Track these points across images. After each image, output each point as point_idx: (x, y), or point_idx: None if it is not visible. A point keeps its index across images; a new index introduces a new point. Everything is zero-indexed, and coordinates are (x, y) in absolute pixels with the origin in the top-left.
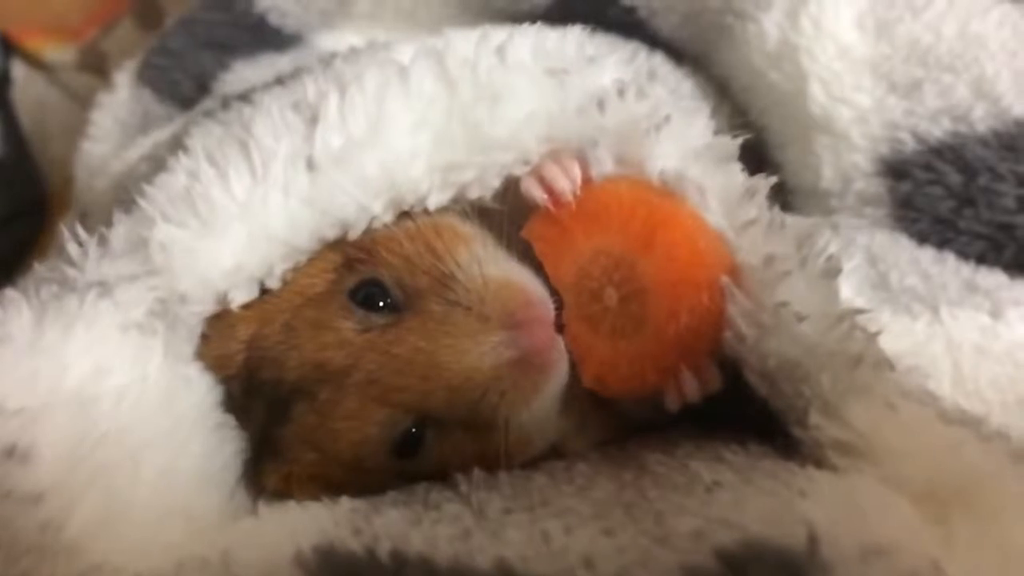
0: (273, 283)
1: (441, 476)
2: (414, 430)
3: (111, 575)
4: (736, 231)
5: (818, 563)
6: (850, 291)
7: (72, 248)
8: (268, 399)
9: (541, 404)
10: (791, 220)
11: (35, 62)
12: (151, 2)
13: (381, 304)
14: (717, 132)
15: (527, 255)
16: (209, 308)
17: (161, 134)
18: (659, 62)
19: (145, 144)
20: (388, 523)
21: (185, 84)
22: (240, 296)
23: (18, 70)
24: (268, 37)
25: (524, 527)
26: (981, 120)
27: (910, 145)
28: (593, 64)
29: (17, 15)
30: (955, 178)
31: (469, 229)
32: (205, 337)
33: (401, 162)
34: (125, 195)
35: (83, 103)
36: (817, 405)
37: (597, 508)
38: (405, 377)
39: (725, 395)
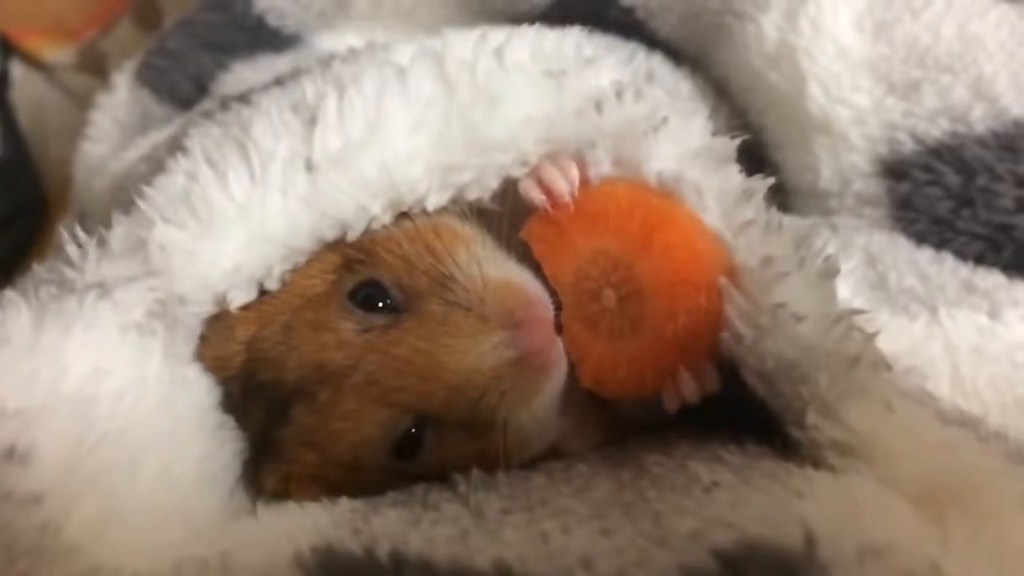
0: (272, 284)
1: (440, 476)
2: (414, 430)
3: None
4: (734, 232)
5: (816, 563)
6: (848, 291)
7: (71, 249)
8: (267, 400)
9: (540, 404)
10: (789, 221)
11: (34, 62)
12: (150, 3)
13: (380, 305)
14: (715, 133)
15: (526, 256)
16: (208, 309)
17: (160, 135)
18: (657, 63)
19: (144, 145)
20: (387, 524)
21: (184, 85)
22: (239, 297)
23: (17, 70)
24: (267, 38)
25: (523, 527)
26: (979, 121)
27: (908, 146)
28: (591, 65)
29: (16, 15)
30: (953, 179)
31: (468, 230)
32: (204, 338)
33: (400, 163)
34: (124, 196)
35: (82, 103)
36: (815, 405)
37: (595, 508)
38: (405, 377)
39: (724, 395)
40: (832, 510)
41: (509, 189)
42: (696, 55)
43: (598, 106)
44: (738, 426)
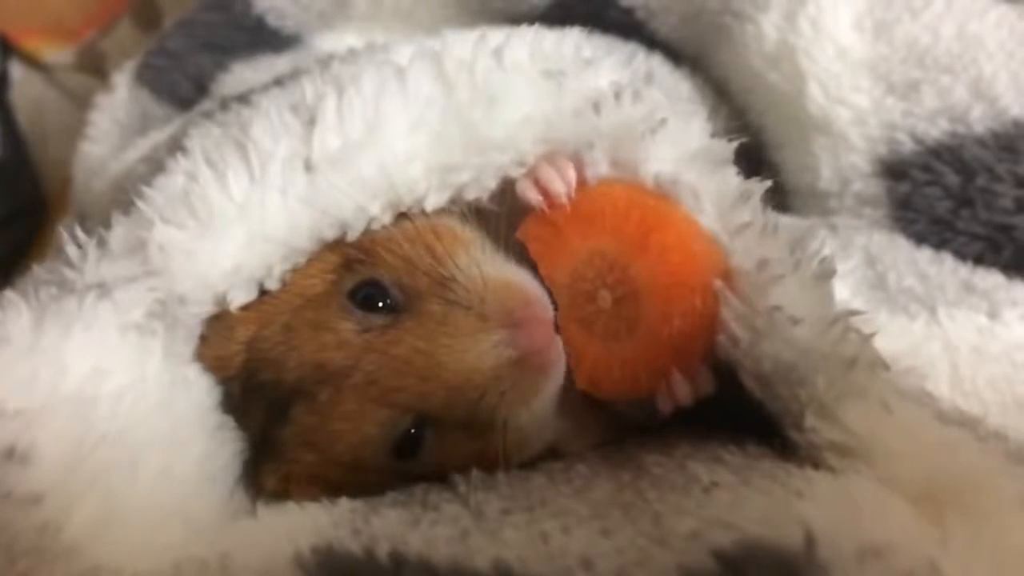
0: (272, 284)
1: (440, 477)
2: (413, 430)
3: None
4: (730, 235)
5: (815, 563)
6: (848, 292)
7: (71, 250)
8: (267, 400)
9: (540, 404)
10: (785, 223)
11: (33, 62)
12: (149, 3)
13: (380, 305)
14: (714, 134)
15: (523, 256)
16: (208, 309)
17: (159, 135)
18: (657, 63)
19: (143, 145)
20: (387, 524)
21: (183, 85)
22: (239, 297)
23: (16, 71)
24: (266, 38)
25: (522, 528)
26: (979, 121)
27: (908, 146)
28: (590, 66)
29: (15, 15)
30: (953, 179)
31: (468, 231)
32: (204, 338)
33: (398, 163)
34: (123, 196)
35: (81, 104)
36: (813, 408)
37: (595, 509)
38: (404, 377)
39: (723, 396)
40: (832, 510)
41: (507, 189)
42: (696, 55)
43: (596, 107)
44: (738, 427)
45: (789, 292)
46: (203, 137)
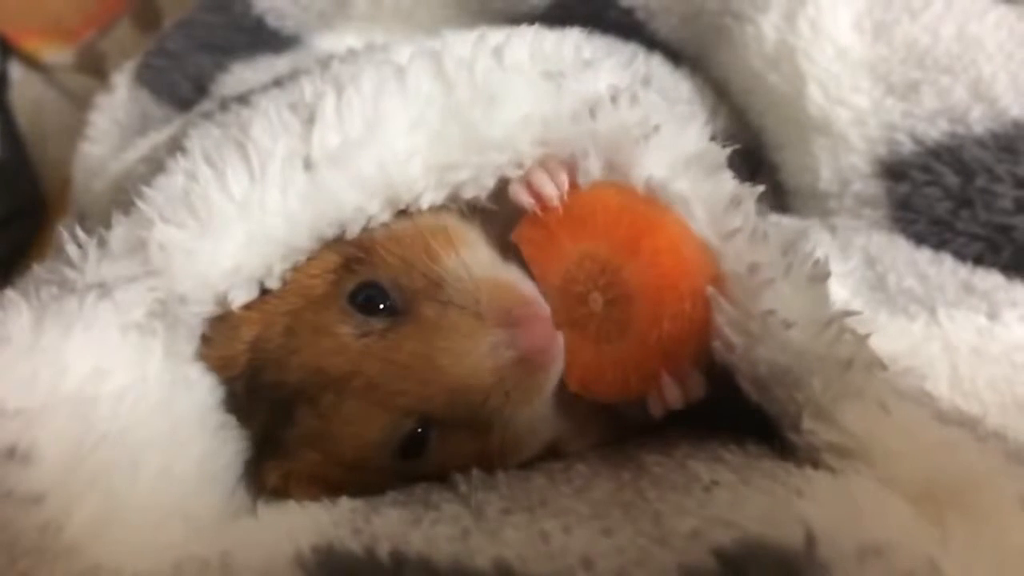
0: (273, 283)
1: (441, 476)
2: (419, 430)
3: None
4: (721, 239)
5: (815, 562)
6: (848, 292)
7: (71, 249)
8: (271, 400)
9: (541, 402)
10: (778, 226)
11: (33, 63)
12: (149, 3)
13: (381, 306)
14: (713, 137)
15: (519, 256)
16: (209, 309)
17: (159, 136)
18: (657, 64)
19: (143, 146)
20: (387, 523)
21: (183, 85)
22: (240, 296)
23: (16, 71)
24: (266, 39)
25: (523, 527)
26: (978, 121)
27: (908, 146)
28: (589, 68)
29: (15, 16)
30: (952, 179)
31: (463, 230)
32: (209, 338)
33: (398, 161)
34: (123, 197)
35: (80, 104)
36: (810, 410)
37: (596, 508)
38: (405, 381)
39: (722, 397)
40: (832, 509)
41: (505, 188)
42: (696, 56)
43: (592, 112)
44: (738, 427)
45: (782, 296)
46: (203, 137)
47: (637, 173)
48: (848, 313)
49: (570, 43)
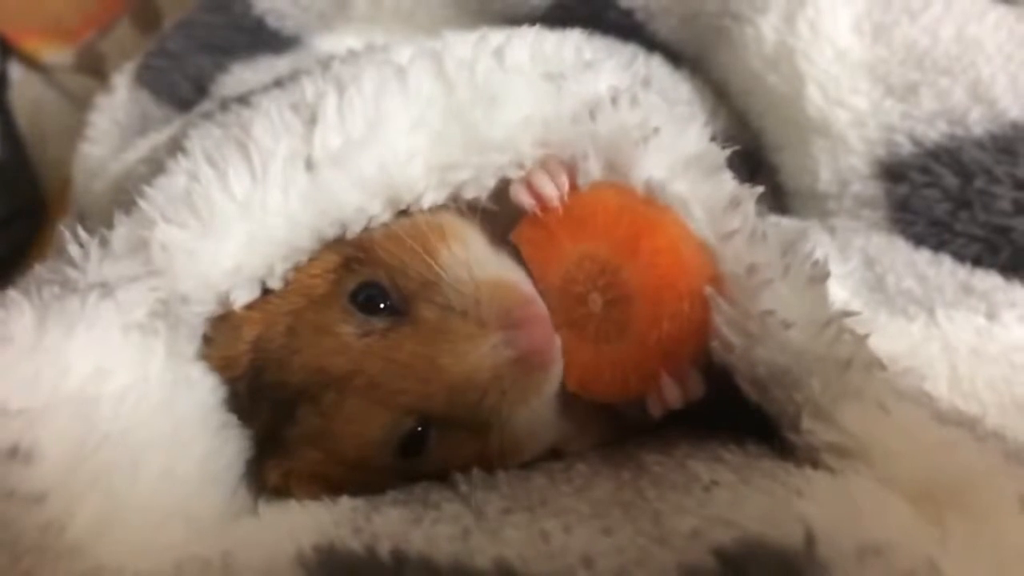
0: (274, 283)
1: (442, 475)
2: (419, 429)
3: (112, 575)
4: (720, 240)
5: (815, 562)
6: (847, 293)
7: (73, 249)
8: (273, 400)
9: (540, 401)
10: (777, 227)
11: (32, 63)
12: (149, 4)
13: (382, 305)
14: (712, 138)
15: (519, 257)
16: (210, 308)
17: (159, 136)
18: (656, 65)
19: (143, 146)
20: (388, 522)
21: (183, 86)
22: (242, 296)
23: (15, 71)
24: (266, 39)
25: (523, 527)
26: (977, 123)
27: (907, 148)
28: (590, 69)
29: (14, 16)
30: (951, 181)
31: (462, 229)
32: (211, 339)
33: (399, 162)
34: (124, 197)
35: (80, 104)
36: (809, 410)
37: (596, 508)
38: (406, 381)
39: (722, 397)
40: (832, 509)
41: (506, 188)
42: (696, 57)
43: (593, 112)
44: (738, 427)
45: (781, 296)
46: (203, 137)
47: (636, 174)
48: (847, 313)
49: (571, 44)
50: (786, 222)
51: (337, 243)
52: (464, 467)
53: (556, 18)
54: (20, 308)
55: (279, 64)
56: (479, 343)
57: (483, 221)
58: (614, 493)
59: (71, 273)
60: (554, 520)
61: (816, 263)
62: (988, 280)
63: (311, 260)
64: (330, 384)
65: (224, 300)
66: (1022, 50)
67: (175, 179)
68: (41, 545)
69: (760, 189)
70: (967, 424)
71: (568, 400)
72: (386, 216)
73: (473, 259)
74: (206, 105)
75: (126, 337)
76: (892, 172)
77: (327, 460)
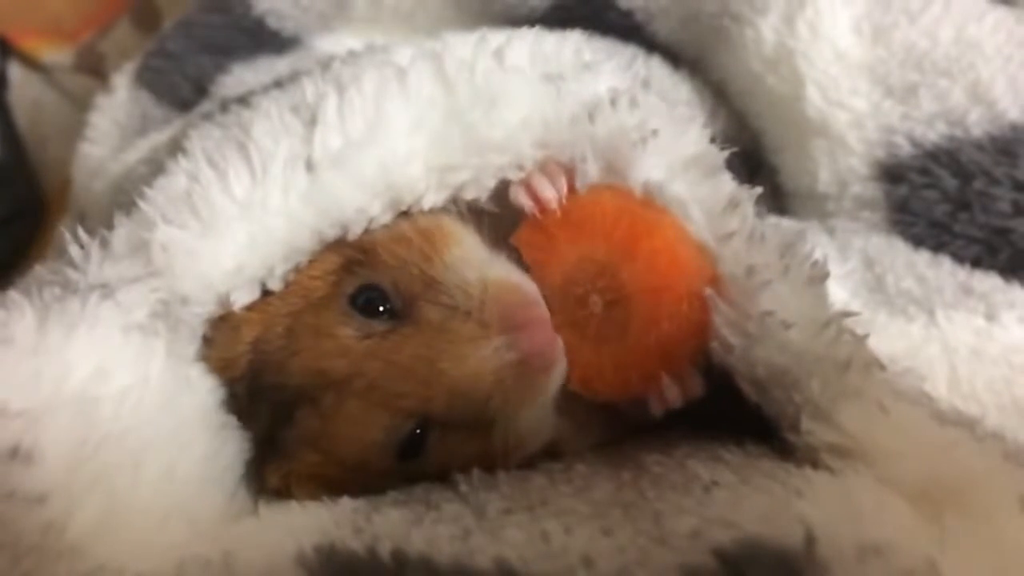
0: (275, 284)
1: (441, 476)
2: (418, 431)
3: None
4: (718, 241)
5: (815, 562)
6: (846, 294)
7: (74, 250)
8: (272, 402)
9: (541, 404)
10: (776, 228)
11: (32, 63)
12: (148, 4)
13: (382, 308)
14: (711, 139)
15: (519, 258)
16: (211, 309)
17: (159, 137)
18: (656, 66)
19: (143, 147)
20: (389, 523)
21: (183, 86)
22: (242, 297)
23: (15, 71)
24: (266, 40)
25: (524, 527)
26: (976, 124)
27: (906, 149)
28: (589, 71)
29: (14, 16)
30: (951, 182)
31: (463, 231)
32: (210, 340)
33: (399, 163)
34: (124, 197)
35: (80, 105)
36: (808, 410)
37: (596, 508)
38: (406, 383)
39: (722, 397)
40: (831, 509)
41: (505, 189)
42: (695, 58)
43: (591, 114)
44: (738, 427)
45: (780, 297)
46: (203, 138)
47: (635, 176)
48: (846, 314)
49: (570, 45)
50: (785, 223)
51: (338, 244)
52: (464, 468)
53: (556, 19)
54: (21, 309)
55: (279, 65)
56: (481, 345)
57: (483, 222)
58: (614, 493)
59: (72, 274)
60: (554, 520)
61: (815, 263)
62: (987, 281)
63: (311, 261)
64: (329, 386)
65: (224, 301)
66: (1021, 51)
67: (175, 180)
68: (42, 546)
69: (759, 190)
70: (967, 424)
71: (568, 400)
72: (386, 217)
73: (475, 260)
74: (206, 106)
75: (126, 338)
76: (891, 173)
77: (326, 462)
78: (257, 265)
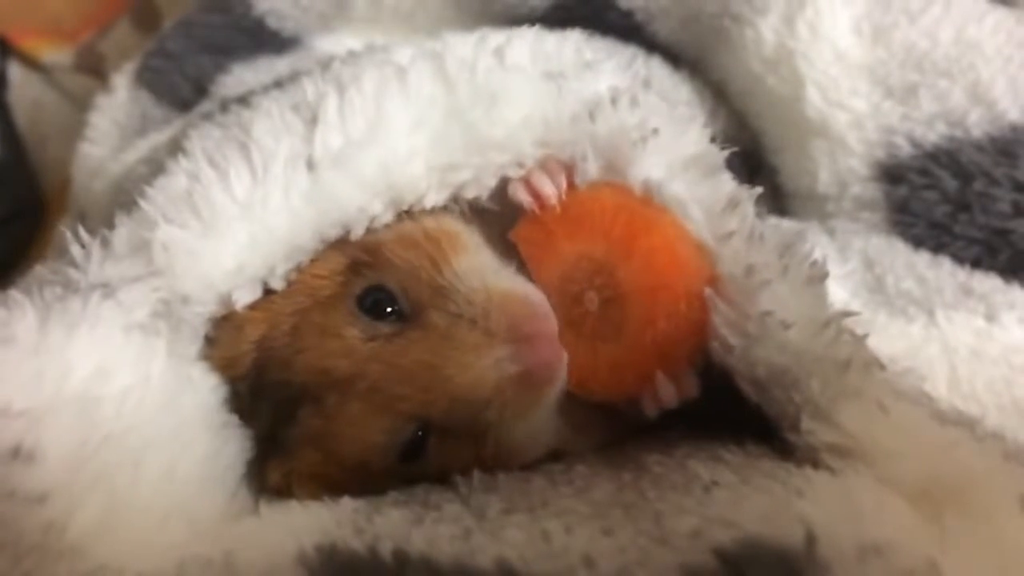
0: (276, 283)
1: (442, 478)
2: (420, 433)
3: (113, 575)
4: (718, 241)
5: (816, 562)
6: (846, 294)
7: (75, 250)
8: (275, 400)
9: (540, 414)
10: (775, 228)
11: (32, 63)
12: (148, 4)
13: (388, 310)
14: (712, 139)
15: (519, 255)
16: (212, 309)
17: (159, 137)
18: (656, 66)
19: (143, 147)
20: (390, 523)
21: (183, 86)
22: (243, 296)
23: (15, 71)
24: (266, 40)
25: (524, 527)
26: (976, 125)
27: (906, 150)
28: (590, 70)
29: (14, 16)
30: (951, 183)
31: (470, 235)
32: (214, 339)
33: (399, 162)
34: (125, 197)
35: (79, 104)
36: (808, 410)
37: (596, 508)
38: (409, 387)
39: (722, 398)
40: (832, 509)
41: (506, 188)
42: (695, 58)
43: (592, 113)
44: (738, 427)
45: (779, 297)
46: (203, 138)
47: (635, 175)
48: (846, 314)
49: (571, 44)
50: (785, 223)
51: (342, 244)
52: (463, 472)
53: (556, 19)
54: (22, 308)
55: (279, 65)
56: (484, 355)
57: (484, 222)
58: (615, 494)
59: (73, 274)
60: (555, 520)
61: (815, 263)
62: (987, 282)
63: (315, 261)
64: (333, 386)
65: (226, 300)
66: (1021, 52)
67: (176, 179)
68: (42, 545)
69: (759, 190)
70: (967, 424)
71: (568, 402)
72: (388, 217)
73: (483, 268)
74: (206, 105)
75: (128, 337)
76: (891, 174)
77: (327, 461)
78: (258, 264)
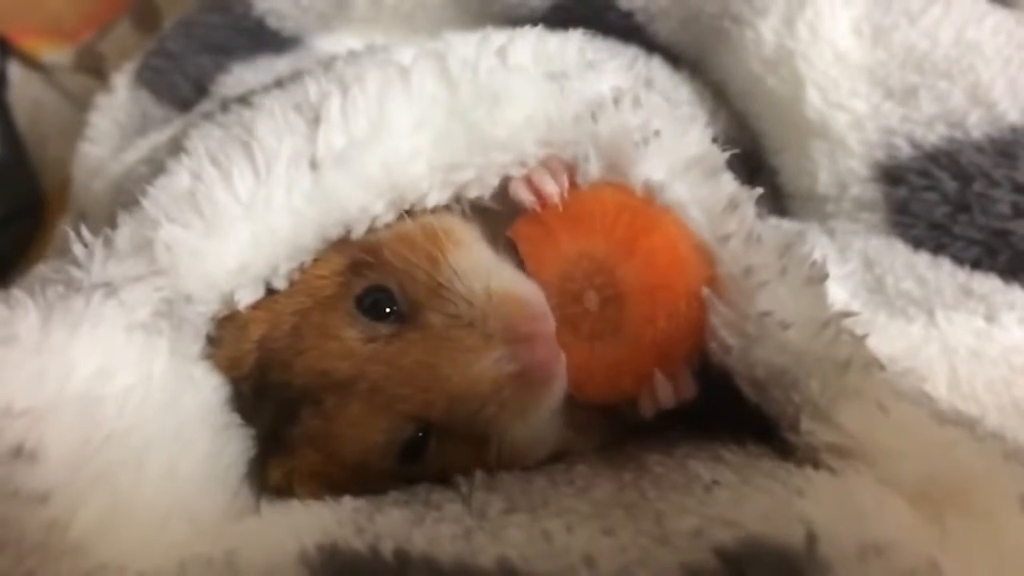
0: (279, 283)
1: (442, 479)
2: (420, 434)
3: (115, 574)
4: (718, 242)
5: (817, 561)
6: (846, 295)
7: (78, 249)
8: (277, 400)
9: (539, 415)
10: (774, 229)
11: (32, 63)
12: (148, 4)
13: (388, 310)
14: (713, 139)
15: (517, 253)
16: (214, 308)
17: (159, 136)
18: (657, 67)
19: (143, 147)
20: (391, 522)
21: (183, 86)
22: (246, 296)
23: (15, 71)
24: (266, 39)
25: (525, 526)
26: (976, 126)
27: (906, 151)
28: (592, 70)
29: (14, 16)
30: (950, 184)
31: (470, 235)
32: (217, 338)
33: (402, 162)
34: (126, 197)
35: (79, 104)
36: (808, 410)
37: (597, 508)
38: (408, 388)
39: (722, 398)
40: (833, 508)
41: (508, 187)
42: (695, 59)
43: (594, 113)
44: (739, 427)
45: (778, 297)
46: (204, 137)
47: (636, 175)
48: (846, 314)
49: (573, 44)
50: (785, 224)
51: (344, 244)
52: (465, 471)
53: (556, 20)
54: (25, 308)
55: (279, 64)
56: (482, 355)
57: (486, 221)
58: (616, 493)
59: (75, 273)
60: (556, 520)
61: (814, 264)
62: (987, 283)
63: (317, 261)
64: (333, 387)
65: (228, 300)
66: (1021, 53)
67: (178, 178)
68: (45, 544)
69: (759, 191)
70: (967, 424)
71: (570, 405)
72: (390, 216)
73: (482, 267)
74: (206, 105)
75: (130, 337)
76: (891, 175)
77: (328, 461)
78: (261, 264)
